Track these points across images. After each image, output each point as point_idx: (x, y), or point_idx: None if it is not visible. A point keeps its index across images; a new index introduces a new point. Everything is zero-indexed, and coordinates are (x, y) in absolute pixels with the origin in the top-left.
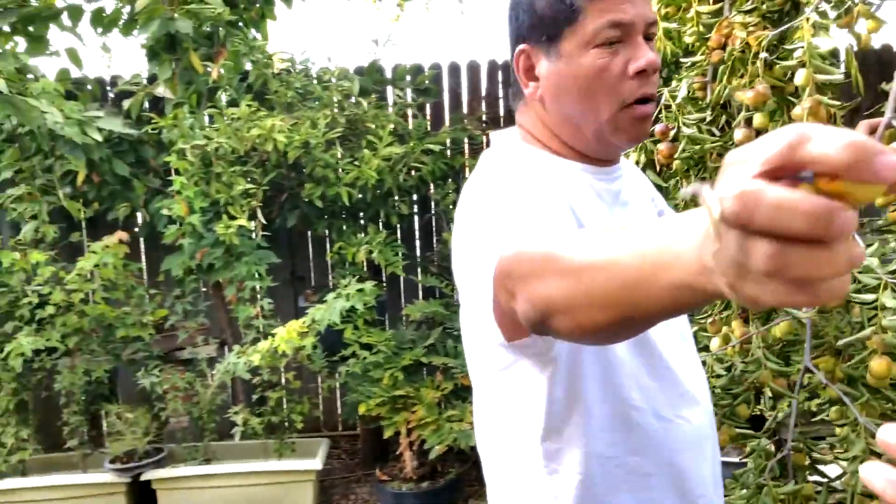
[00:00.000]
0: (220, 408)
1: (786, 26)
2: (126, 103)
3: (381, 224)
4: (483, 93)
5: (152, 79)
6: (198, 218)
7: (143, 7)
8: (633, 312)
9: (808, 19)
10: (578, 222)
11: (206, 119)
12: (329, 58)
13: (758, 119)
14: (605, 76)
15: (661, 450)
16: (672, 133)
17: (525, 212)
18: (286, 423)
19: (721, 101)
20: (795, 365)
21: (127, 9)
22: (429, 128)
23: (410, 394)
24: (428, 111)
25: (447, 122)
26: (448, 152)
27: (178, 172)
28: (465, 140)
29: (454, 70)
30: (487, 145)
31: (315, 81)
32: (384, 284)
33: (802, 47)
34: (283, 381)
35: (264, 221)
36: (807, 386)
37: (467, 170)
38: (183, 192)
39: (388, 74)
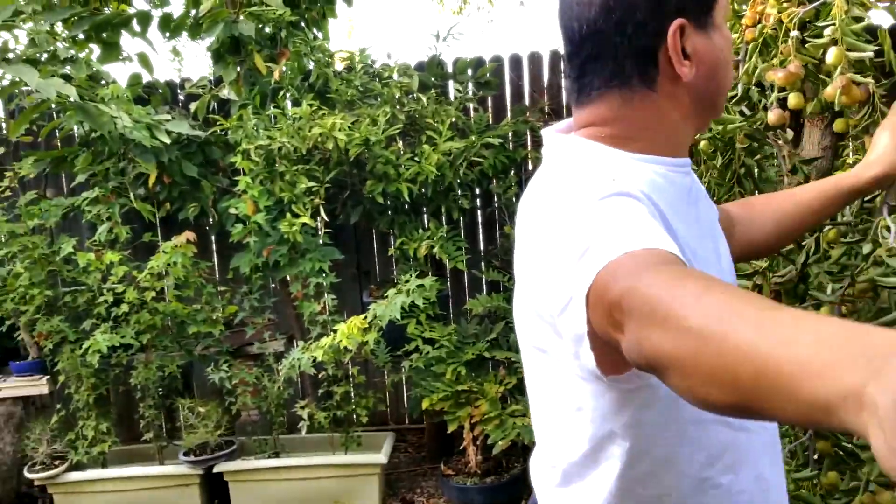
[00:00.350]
0: (288, 402)
1: (819, 1)
2: (194, 105)
3: (443, 219)
4: (545, 84)
5: (219, 81)
6: (263, 216)
7: (206, 11)
8: (754, 406)
9: None
10: (672, 233)
11: (271, 119)
12: (388, 54)
13: (792, 99)
14: None
15: (749, 463)
16: None
17: (623, 226)
18: (352, 417)
19: (752, 81)
20: None
21: (193, 13)
22: (490, 121)
23: (474, 388)
24: (490, 104)
25: (509, 115)
26: (510, 145)
27: (243, 172)
28: (528, 132)
29: (515, 62)
30: None
31: (375, 79)
32: (447, 279)
33: (834, 24)
34: (348, 375)
35: (326, 219)
36: None
37: (530, 162)
38: (248, 192)
39: (450, 69)
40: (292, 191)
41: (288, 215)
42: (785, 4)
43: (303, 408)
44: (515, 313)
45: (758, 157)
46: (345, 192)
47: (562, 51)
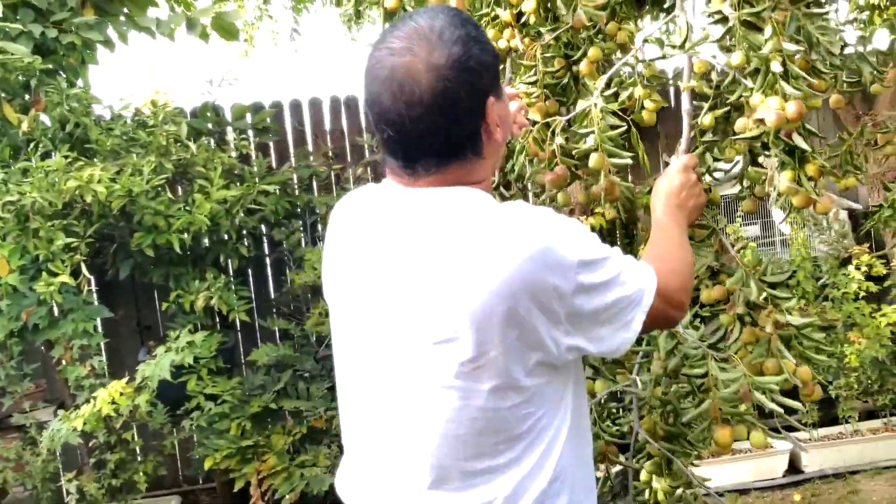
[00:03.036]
0: (56, 475)
1: (577, 111)
2: None
3: (229, 267)
4: (327, 128)
5: None
6: (17, 277)
7: None
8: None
9: (595, 105)
10: None
11: (23, 173)
12: (154, 101)
13: (560, 198)
14: None
15: None
16: None
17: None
18: (131, 485)
19: (522, 177)
20: (622, 427)
21: None
22: (274, 165)
23: (260, 442)
24: (272, 149)
25: (292, 160)
26: (295, 190)
27: None
28: (312, 177)
29: (296, 107)
30: (336, 181)
31: (140, 126)
32: (237, 330)
33: (593, 132)
34: (129, 438)
35: (88, 275)
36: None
37: (317, 206)
38: None
39: (228, 115)
40: (49, 248)
41: (44, 274)
42: (534, 99)
43: (70, 480)
44: (397, 348)
45: None
46: (113, 244)
47: (341, 97)
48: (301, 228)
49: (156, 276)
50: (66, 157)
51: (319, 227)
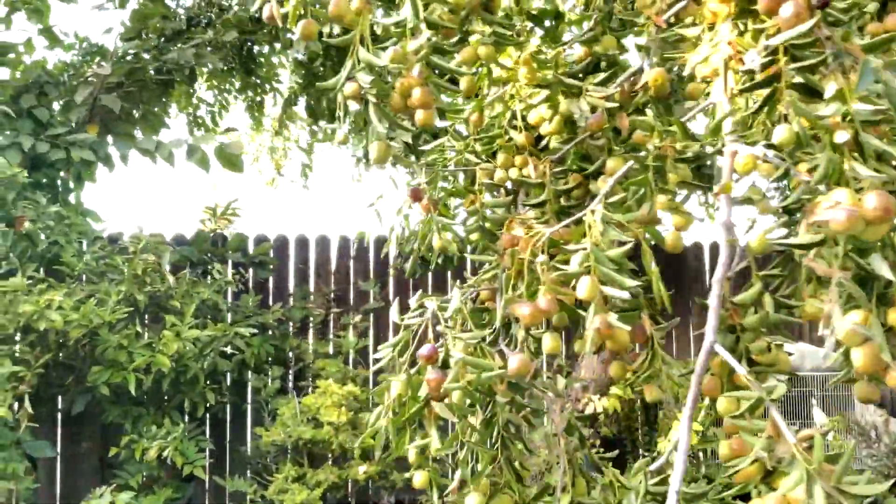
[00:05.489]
0: None
1: (569, 220)
2: None
3: (205, 413)
4: (333, 268)
5: None
6: None
7: None
8: None
9: (592, 211)
10: None
11: None
12: (140, 227)
13: (549, 342)
14: None
15: None
16: (441, 356)
17: None
18: None
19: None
20: None
21: None
22: (270, 302)
23: None
24: (271, 284)
25: (291, 300)
26: (289, 331)
27: None
28: (308, 319)
29: (302, 244)
30: (334, 325)
31: (121, 251)
32: (203, 485)
33: (586, 249)
34: None
35: (31, 410)
36: None
37: (304, 353)
38: None
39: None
40: None
41: None
42: (535, 227)
43: None
44: None
45: (523, 412)
46: (71, 375)
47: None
48: (282, 376)
49: (112, 415)
50: (30, 277)
51: (309, 376)
